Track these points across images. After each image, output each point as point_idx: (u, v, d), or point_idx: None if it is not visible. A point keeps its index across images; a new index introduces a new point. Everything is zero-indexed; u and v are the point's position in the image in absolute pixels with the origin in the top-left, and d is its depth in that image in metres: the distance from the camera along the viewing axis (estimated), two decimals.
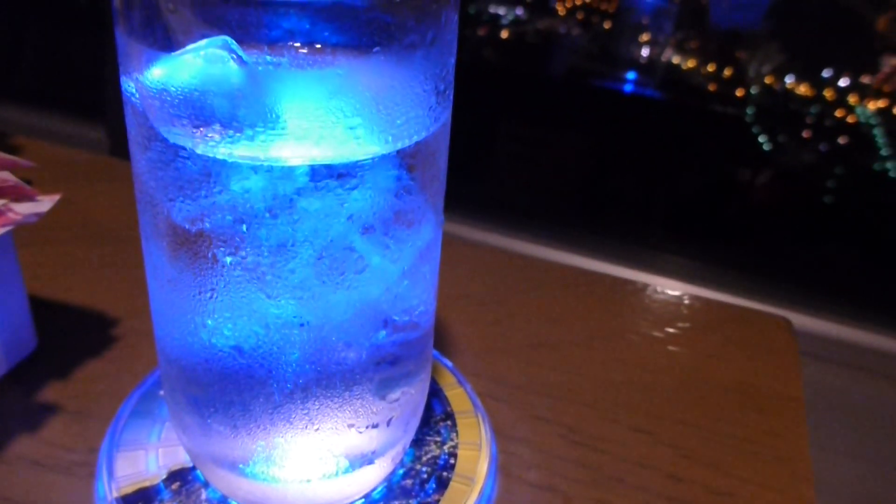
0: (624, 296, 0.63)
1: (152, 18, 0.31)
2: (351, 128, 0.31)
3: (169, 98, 0.31)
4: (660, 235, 1.85)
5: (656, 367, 0.55)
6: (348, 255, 0.33)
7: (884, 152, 1.96)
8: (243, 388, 0.36)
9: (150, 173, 0.34)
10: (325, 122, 0.31)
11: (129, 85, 0.33)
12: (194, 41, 0.31)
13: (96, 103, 1.48)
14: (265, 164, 0.31)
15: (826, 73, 2.02)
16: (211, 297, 0.34)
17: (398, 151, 0.32)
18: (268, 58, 0.31)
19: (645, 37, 2.04)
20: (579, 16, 2.04)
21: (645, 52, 2.04)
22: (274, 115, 0.31)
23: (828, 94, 2.04)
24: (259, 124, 0.31)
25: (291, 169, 0.31)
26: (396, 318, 0.37)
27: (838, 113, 2.00)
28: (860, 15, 2.00)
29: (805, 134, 2.04)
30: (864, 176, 2.01)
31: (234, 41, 0.31)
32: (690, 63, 2.06)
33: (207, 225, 0.33)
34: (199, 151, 0.31)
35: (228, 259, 0.33)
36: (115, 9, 0.32)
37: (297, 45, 0.33)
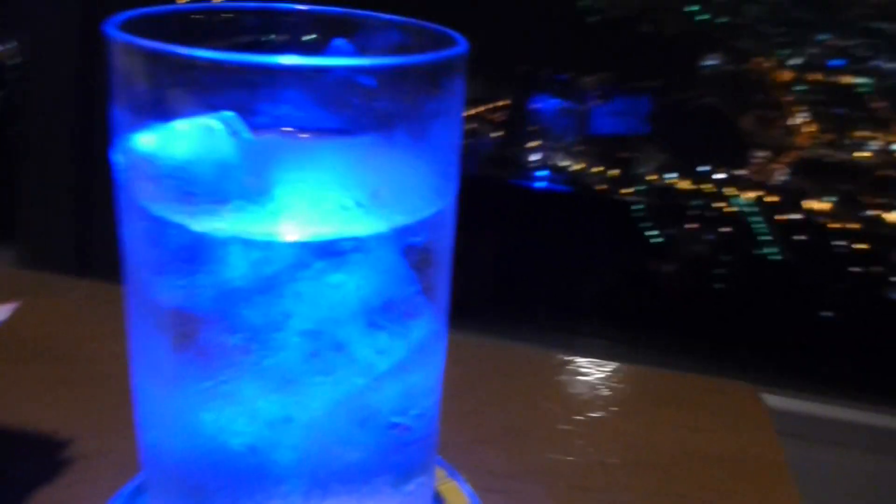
0: (588, 375, 0.62)
1: (148, 91, 0.29)
2: (346, 206, 0.29)
3: (158, 169, 0.29)
4: (582, 321, 1.87)
5: (639, 444, 0.54)
6: (331, 342, 0.30)
7: (762, 238, 2.07)
8: (255, 490, 0.32)
9: (139, 251, 0.31)
10: (318, 199, 0.29)
11: (118, 158, 0.31)
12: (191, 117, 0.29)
13: (4, 223, 1.40)
14: (255, 239, 0.28)
15: (702, 169, 2.15)
16: (210, 387, 0.31)
17: (395, 232, 0.30)
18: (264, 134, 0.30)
19: (534, 143, 2.13)
20: (473, 125, 2.11)
21: (536, 156, 2.12)
22: (266, 190, 0.29)
23: (706, 187, 2.17)
24: (250, 198, 0.28)
25: (281, 245, 0.28)
26: (391, 417, 0.33)
27: (718, 204, 2.12)
28: (727, 116, 2.16)
29: (691, 226, 2.15)
30: (748, 262, 2.12)
31: (236, 116, 0.29)
32: (579, 165, 2.15)
33: (196, 304, 0.30)
34: (188, 226, 0.28)
35: (216, 340, 0.30)
36: (110, 78, 0.30)
37: (301, 133, 0.31)
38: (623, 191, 2.15)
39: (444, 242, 0.33)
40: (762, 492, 0.50)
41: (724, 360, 1.74)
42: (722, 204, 2.11)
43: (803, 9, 2.07)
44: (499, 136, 2.13)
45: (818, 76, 2.10)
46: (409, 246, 0.30)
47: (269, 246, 0.28)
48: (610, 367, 0.62)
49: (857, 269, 2.03)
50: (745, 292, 2.10)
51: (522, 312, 1.86)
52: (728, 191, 2.11)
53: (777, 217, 2.05)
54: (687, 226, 2.12)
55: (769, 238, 2.06)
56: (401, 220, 0.30)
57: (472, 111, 2.04)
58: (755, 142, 2.14)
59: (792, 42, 2.11)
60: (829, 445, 1.34)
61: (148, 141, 0.29)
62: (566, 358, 0.63)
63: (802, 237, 2.09)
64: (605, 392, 0.59)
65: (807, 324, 1.97)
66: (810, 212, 2.06)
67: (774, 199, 2.07)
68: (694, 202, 2.13)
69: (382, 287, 0.30)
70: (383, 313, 0.30)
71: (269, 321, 0.29)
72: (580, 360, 0.63)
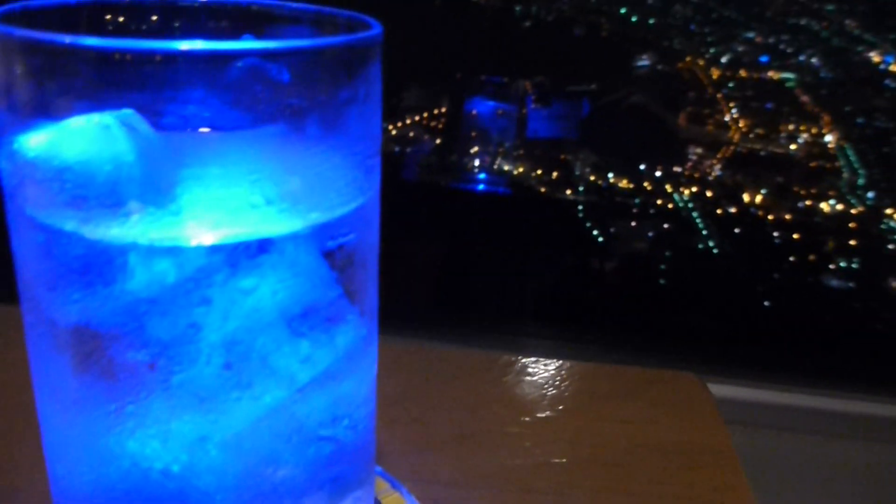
0: (534, 375, 0.61)
1: (32, 88, 0.26)
2: (255, 203, 0.26)
3: (46, 173, 0.26)
4: (528, 322, 1.86)
5: (588, 441, 0.52)
6: (247, 353, 0.27)
7: (704, 233, 2.10)
8: None
9: (31, 265, 0.28)
10: (224, 198, 0.27)
11: (2, 163, 0.28)
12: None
13: None
14: (156, 245, 0.25)
15: (642, 167, 2.18)
16: (117, 409, 0.28)
17: (311, 231, 0.27)
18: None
19: (475, 148, 2.12)
20: (411, 133, 2.09)
21: (477, 161, 2.11)
22: (167, 190, 0.26)
23: (647, 185, 2.19)
24: (150, 200, 0.26)
25: (186, 250, 0.26)
26: (319, 431, 0.31)
27: (659, 201, 2.14)
28: (662, 115, 2.19)
29: (633, 223, 2.16)
30: (689, 255, 2.14)
31: (136, 113, 0.26)
32: (520, 169, 2.15)
33: (95, 319, 0.27)
34: (81, 234, 0.26)
35: (120, 358, 0.27)
36: None
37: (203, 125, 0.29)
38: (564, 192, 2.15)
39: (368, 241, 0.30)
40: (712, 482, 0.49)
41: (669, 353, 1.75)
42: (661, 201, 2.13)
43: (729, 7, 2.11)
44: (437, 144, 2.11)
45: (746, 73, 2.14)
46: (327, 245, 0.28)
47: (172, 251, 0.26)
48: (554, 365, 0.61)
49: (793, 259, 2.07)
50: (687, 285, 2.13)
51: (467, 316, 1.84)
52: (667, 188, 2.13)
53: (715, 211, 2.08)
54: (628, 223, 2.14)
55: (707, 232, 2.08)
56: (317, 217, 0.27)
57: (410, 119, 2.03)
58: (690, 139, 2.17)
59: (720, 40, 2.14)
60: (773, 430, 1.35)
61: (34, 142, 0.26)
62: (511, 358, 0.61)
63: (739, 230, 2.13)
64: (551, 391, 0.58)
65: (748, 313, 2.00)
66: (747, 205, 2.10)
67: (711, 193, 2.10)
68: (634, 200, 2.15)
69: (300, 291, 0.28)
70: (303, 319, 0.28)
71: (176, 334, 0.27)
72: (524, 360, 0.62)
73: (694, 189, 2.11)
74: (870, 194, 2.05)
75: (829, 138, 2.08)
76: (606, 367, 0.61)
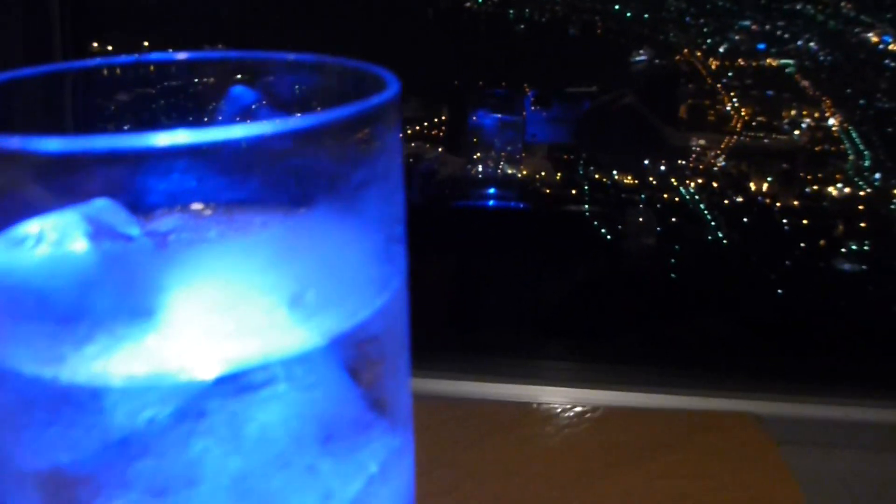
0: (572, 426, 0.55)
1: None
2: (263, 317, 0.21)
3: None
4: (543, 342, 1.80)
5: (639, 500, 0.47)
6: (262, 494, 0.21)
7: (713, 225, 2.04)
8: None
9: None
10: (225, 311, 0.21)
11: None
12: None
13: None
14: (137, 384, 0.20)
15: (646, 163, 2.12)
16: None
17: (331, 342, 0.22)
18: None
19: (477, 154, 2.06)
20: (412, 144, 2.03)
21: (479, 168, 2.06)
22: (150, 308, 0.20)
23: (652, 181, 2.14)
24: (125, 324, 0.20)
25: (181, 384, 0.20)
26: None
27: (665, 196, 2.09)
28: (662, 109, 2.13)
29: (640, 219, 2.11)
30: (700, 249, 2.09)
31: (112, 204, 0.21)
32: (524, 172, 2.09)
33: (73, 462, 0.21)
34: (41, 375, 0.20)
35: None
36: None
37: (198, 206, 0.23)
38: (569, 192, 2.10)
39: (396, 338, 0.25)
40: None
41: (692, 365, 1.64)
42: (667, 195, 2.07)
43: None
44: (438, 154, 2.06)
45: (744, 61, 2.08)
46: (349, 357, 0.22)
47: (160, 387, 0.20)
48: (593, 412, 0.55)
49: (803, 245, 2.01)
50: (698, 280, 2.07)
51: (482, 343, 1.77)
52: (672, 182, 2.08)
53: (722, 202, 2.03)
54: (636, 219, 2.09)
55: (715, 223, 2.03)
56: (335, 327, 0.22)
57: (410, 130, 1.97)
58: (692, 127, 2.11)
59: (715, 31, 2.09)
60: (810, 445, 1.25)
61: None
62: (545, 407, 0.55)
63: (747, 219, 2.07)
64: (594, 445, 0.52)
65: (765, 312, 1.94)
66: (754, 193, 2.04)
67: (717, 184, 2.05)
68: (640, 195, 2.09)
69: (319, 416, 0.22)
70: (325, 449, 0.22)
71: (171, 477, 0.21)
72: (559, 408, 0.56)
73: (700, 181, 2.05)
74: (876, 175, 2.00)
75: (831, 122, 2.02)
76: (650, 412, 0.56)
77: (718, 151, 2.09)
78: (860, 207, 2.01)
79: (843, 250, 2.00)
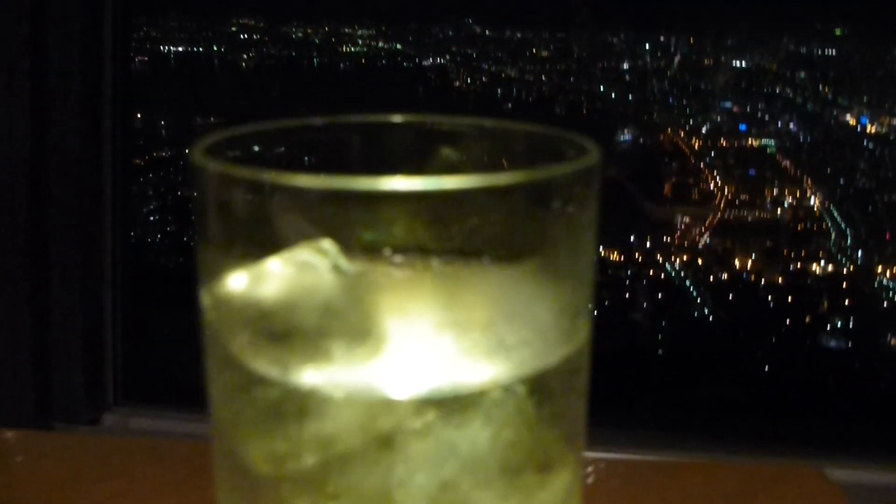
0: (627, 480, 0.48)
1: (241, 227, 0.22)
2: (464, 352, 0.22)
3: (250, 314, 0.22)
4: None
5: None
6: None
7: (698, 301, 2.02)
8: None
9: (226, 406, 0.23)
10: (432, 342, 0.22)
11: (205, 300, 0.24)
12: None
13: None
14: (359, 394, 0.21)
15: (631, 238, 2.11)
16: None
17: (522, 379, 0.22)
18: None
19: None
20: None
21: None
22: (372, 333, 0.21)
23: (638, 256, 2.12)
24: (354, 345, 0.21)
25: (390, 400, 0.21)
26: None
27: (651, 272, 2.07)
28: (647, 187, 2.13)
29: (626, 294, 2.08)
30: (686, 324, 2.06)
31: (333, 244, 0.21)
32: None
33: (294, 467, 0.22)
34: (282, 378, 0.21)
35: None
36: (200, 219, 0.23)
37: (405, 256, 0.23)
38: None
39: (580, 376, 0.23)
40: None
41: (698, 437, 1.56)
42: (653, 271, 2.05)
43: (704, 79, 2.09)
44: None
45: (727, 142, 2.11)
46: (539, 389, 0.21)
47: (377, 400, 0.21)
48: (648, 467, 0.48)
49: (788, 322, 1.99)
50: (685, 355, 2.03)
51: None
52: (657, 258, 2.06)
53: (708, 278, 2.01)
54: (621, 295, 2.06)
55: (700, 300, 2.00)
56: (529, 367, 0.22)
57: None
58: (677, 208, 2.11)
59: (698, 111, 2.12)
60: None
61: (239, 282, 0.23)
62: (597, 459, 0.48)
63: (732, 295, 2.06)
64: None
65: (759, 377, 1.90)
66: (738, 270, 2.03)
67: (701, 261, 2.04)
68: (626, 272, 2.07)
69: (510, 439, 0.19)
70: (515, 469, 0.19)
71: (378, 485, 0.21)
72: (619, 463, 0.49)
73: (685, 257, 2.04)
74: (859, 252, 2.00)
75: (813, 200, 2.03)
76: (711, 464, 0.50)
77: (704, 229, 2.08)
78: (844, 285, 2.00)
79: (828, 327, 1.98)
